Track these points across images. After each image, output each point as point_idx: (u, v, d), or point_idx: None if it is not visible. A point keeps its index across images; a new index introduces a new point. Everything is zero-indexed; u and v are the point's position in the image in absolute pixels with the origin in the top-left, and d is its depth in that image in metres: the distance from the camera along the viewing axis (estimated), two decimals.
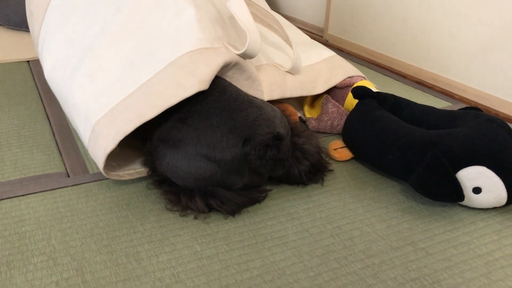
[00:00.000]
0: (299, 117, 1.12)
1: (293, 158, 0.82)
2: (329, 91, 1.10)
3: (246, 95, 0.83)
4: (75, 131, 1.04)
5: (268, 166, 0.75)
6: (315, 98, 1.14)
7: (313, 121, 1.07)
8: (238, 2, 0.88)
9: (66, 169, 0.90)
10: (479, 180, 0.77)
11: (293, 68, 1.00)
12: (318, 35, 1.92)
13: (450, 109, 1.24)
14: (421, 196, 0.84)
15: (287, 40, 1.03)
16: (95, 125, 0.79)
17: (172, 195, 0.78)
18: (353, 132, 0.92)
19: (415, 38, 1.45)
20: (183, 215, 0.77)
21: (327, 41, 1.86)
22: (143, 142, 0.91)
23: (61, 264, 0.66)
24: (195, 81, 0.77)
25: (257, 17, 1.03)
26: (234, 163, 0.75)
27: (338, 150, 0.96)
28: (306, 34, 1.94)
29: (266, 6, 1.19)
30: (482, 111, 0.89)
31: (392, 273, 0.66)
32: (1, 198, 0.80)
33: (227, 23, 0.93)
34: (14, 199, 0.80)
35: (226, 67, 0.83)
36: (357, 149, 0.93)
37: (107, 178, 0.86)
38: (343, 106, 1.05)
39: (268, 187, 0.84)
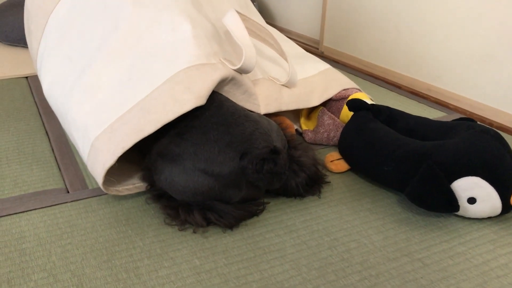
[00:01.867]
0: (296, 130, 1.13)
1: (290, 170, 0.83)
2: (324, 104, 1.11)
3: (243, 110, 0.84)
4: (74, 146, 1.05)
5: (265, 179, 0.76)
6: (311, 110, 1.15)
7: (309, 133, 1.08)
8: (233, 18, 0.90)
9: (65, 185, 0.91)
10: (473, 191, 0.78)
11: (288, 82, 1.01)
12: (313, 47, 1.93)
13: (445, 118, 1.26)
14: (417, 207, 0.85)
15: (282, 54, 1.04)
16: (94, 141, 0.80)
17: (171, 209, 0.79)
18: (349, 144, 0.94)
19: (410, 49, 1.47)
20: (182, 230, 0.78)
21: (322, 52, 1.88)
22: (141, 156, 0.92)
23: (62, 280, 0.66)
24: (192, 97, 0.78)
25: (253, 32, 1.04)
26: (232, 177, 0.76)
27: (334, 162, 0.97)
28: (302, 46, 1.96)
29: (261, 21, 1.21)
30: (475, 121, 0.90)
31: (389, 285, 0.67)
32: (1, 215, 0.80)
33: (223, 39, 0.94)
34: (14, 216, 0.81)
35: (222, 82, 0.84)
36: (353, 161, 0.94)
37: (106, 193, 0.87)
38: (338, 118, 1.06)
39: (265, 200, 0.85)
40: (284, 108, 0.99)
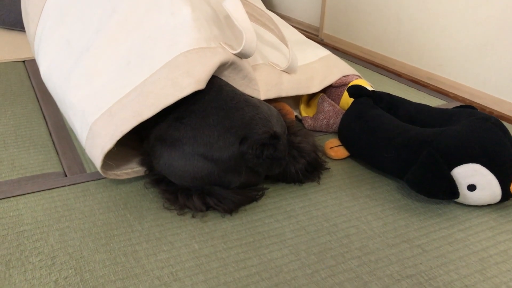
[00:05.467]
0: (295, 116, 1.13)
1: (290, 156, 0.82)
2: (324, 90, 1.10)
3: (243, 94, 0.83)
4: (72, 130, 1.04)
5: (265, 165, 0.76)
6: (311, 97, 1.15)
7: (309, 120, 1.08)
8: (234, 2, 0.89)
9: (63, 168, 0.90)
10: (473, 178, 0.77)
11: (289, 67, 1.00)
12: (313, 34, 1.92)
13: (445, 107, 1.25)
14: (416, 193, 0.85)
15: (283, 39, 1.03)
16: (92, 124, 0.79)
17: (170, 194, 0.79)
18: (349, 130, 0.93)
19: (410, 37, 1.46)
20: (181, 214, 0.77)
21: (322, 40, 1.86)
22: (140, 141, 0.92)
23: (60, 263, 0.66)
24: (191, 81, 0.77)
25: (253, 16, 1.03)
26: (231, 162, 0.76)
27: (334, 148, 0.96)
28: (302, 33, 1.95)
29: (261, 6, 1.19)
30: (476, 109, 0.90)
31: (388, 270, 0.67)
32: None
33: (223, 23, 0.93)
34: (11, 199, 0.80)
35: (222, 66, 0.83)
36: (353, 148, 0.93)
37: (105, 178, 0.87)
38: (338, 104, 1.06)
39: (265, 186, 0.85)
40: (284, 94, 0.99)
